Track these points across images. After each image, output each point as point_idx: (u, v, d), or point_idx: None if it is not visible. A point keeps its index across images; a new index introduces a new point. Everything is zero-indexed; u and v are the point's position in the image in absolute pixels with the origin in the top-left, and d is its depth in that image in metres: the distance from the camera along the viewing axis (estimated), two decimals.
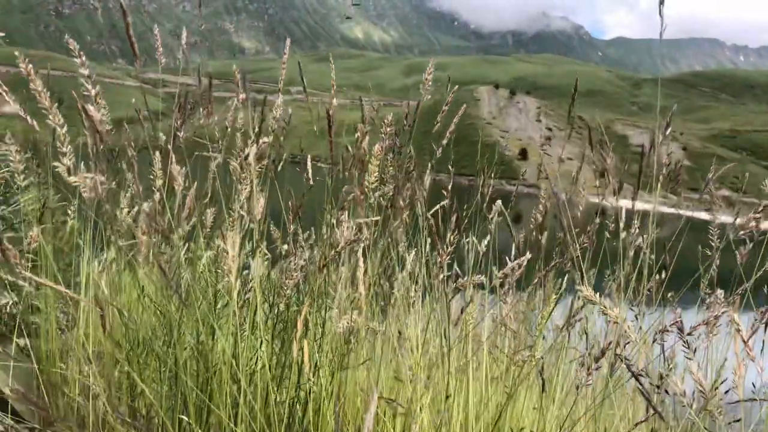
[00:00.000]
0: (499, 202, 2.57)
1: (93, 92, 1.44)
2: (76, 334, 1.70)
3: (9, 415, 1.57)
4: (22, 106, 1.20)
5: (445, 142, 2.30)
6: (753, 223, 1.75)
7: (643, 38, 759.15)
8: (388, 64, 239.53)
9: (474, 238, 2.31)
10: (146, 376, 1.61)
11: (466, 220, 2.23)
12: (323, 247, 1.69)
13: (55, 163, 1.36)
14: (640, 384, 1.13)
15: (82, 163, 1.53)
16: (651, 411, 1.23)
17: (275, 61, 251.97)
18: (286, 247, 2.00)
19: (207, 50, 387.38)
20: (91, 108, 1.43)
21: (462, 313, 2.01)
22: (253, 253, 1.70)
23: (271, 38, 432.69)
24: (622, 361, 1.25)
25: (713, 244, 2.16)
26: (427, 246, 2.17)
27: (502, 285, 2.04)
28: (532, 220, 2.41)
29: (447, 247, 1.71)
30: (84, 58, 1.35)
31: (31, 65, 1.20)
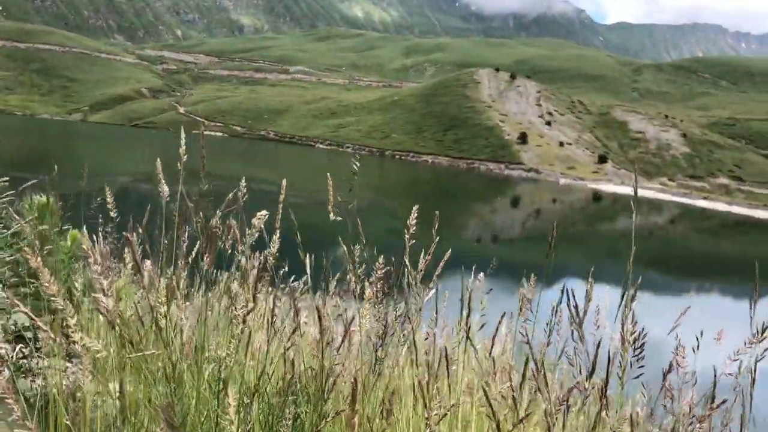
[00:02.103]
0: None
1: (105, 284, 1.50)
2: None
3: None
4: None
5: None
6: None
7: (645, 23, 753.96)
8: (388, 44, 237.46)
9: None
10: None
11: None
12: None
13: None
14: None
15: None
16: None
17: (274, 39, 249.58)
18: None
19: (205, 27, 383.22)
20: (103, 300, 1.49)
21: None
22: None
23: (271, 16, 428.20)
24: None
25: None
26: None
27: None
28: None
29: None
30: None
31: None
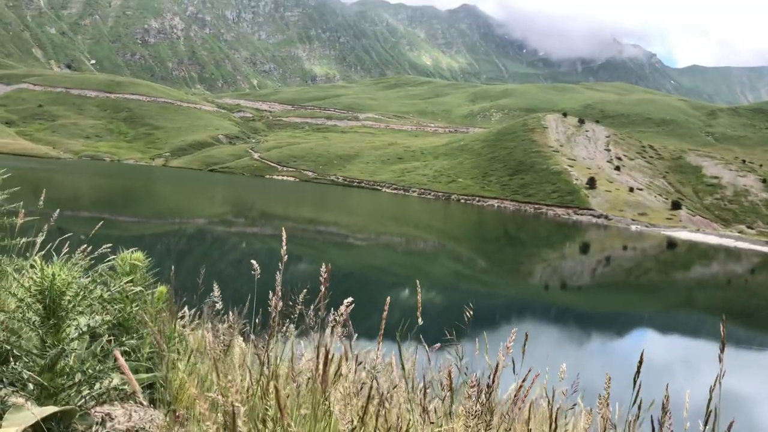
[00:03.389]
0: None
1: (241, 409, 1.73)
2: None
3: None
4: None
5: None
6: None
7: (719, 66, 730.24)
8: (455, 90, 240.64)
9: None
10: None
11: None
12: None
13: None
14: None
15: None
16: None
17: (345, 88, 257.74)
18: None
19: (280, 76, 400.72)
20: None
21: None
22: None
23: (342, 66, 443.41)
24: None
25: None
26: None
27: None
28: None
29: None
30: None
31: None
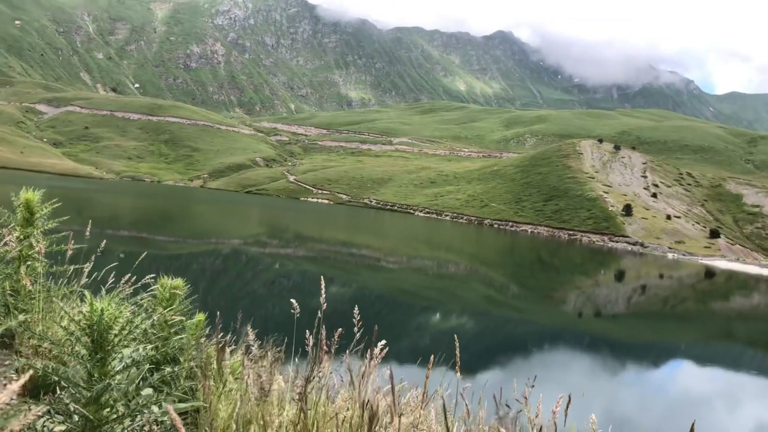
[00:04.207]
0: None
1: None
2: None
3: None
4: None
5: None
6: None
7: (760, 93, 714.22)
8: (489, 115, 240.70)
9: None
10: None
11: None
12: None
13: None
14: None
15: None
16: None
17: (379, 112, 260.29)
18: None
19: (317, 101, 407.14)
20: None
21: None
22: None
23: (377, 91, 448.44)
24: None
25: None
26: None
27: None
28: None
29: None
30: None
31: None
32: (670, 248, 75.82)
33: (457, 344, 3.11)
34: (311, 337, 2.77)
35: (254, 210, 78.08)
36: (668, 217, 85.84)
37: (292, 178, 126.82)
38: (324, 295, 2.92)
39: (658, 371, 21.83)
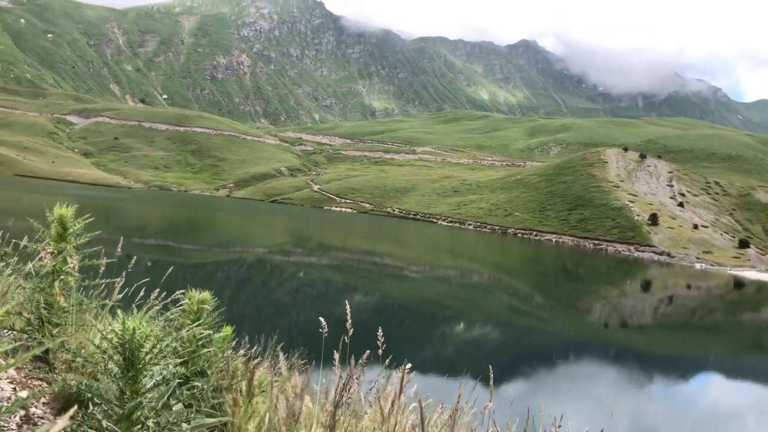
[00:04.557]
0: None
1: None
2: None
3: None
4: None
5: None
6: None
7: None
8: (513, 124, 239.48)
9: None
10: None
11: None
12: None
13: None
14: None
15: None
16: None
17: (402, 122, 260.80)
18: None
19: (341, 111, 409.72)
20: None
21: None
22: None
23: (400, 100, 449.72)
24: None
25: None
26: None
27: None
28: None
29: None
30: None
31: None
32: (697, 258, 74.45)
33: (491, 375, 3.13)
34: (338, 361, 2.81)
35: (279, 219, 78.69)
36: (695, 227, 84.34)
37: (316, 188, 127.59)
38: (350, 320, 2.97)
39: (686, 384, 21.40)
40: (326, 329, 3.14)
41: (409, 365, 2.76)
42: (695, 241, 79.72)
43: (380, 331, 2.83)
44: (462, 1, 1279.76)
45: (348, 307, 3.03)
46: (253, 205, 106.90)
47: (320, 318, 3.18)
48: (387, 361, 3.07)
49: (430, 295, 31.94)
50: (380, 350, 2.73)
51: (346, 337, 2.95)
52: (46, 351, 2.97)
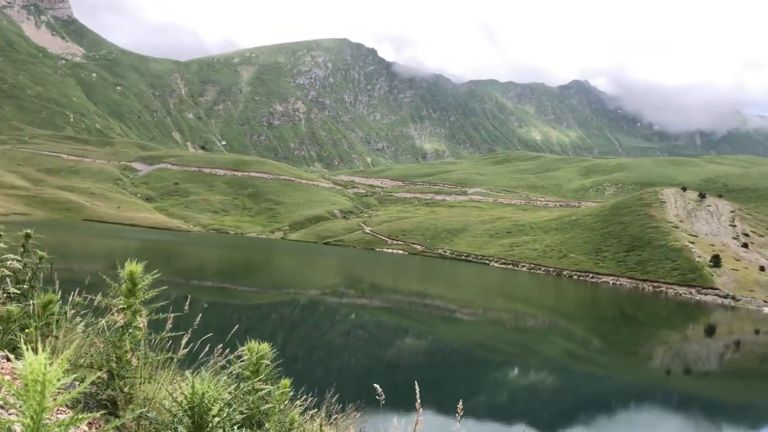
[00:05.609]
0: None
1: None
2: None
3: None
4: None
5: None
6: None
7: None
8: (566, 164, 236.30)
9: None
10: None
11: None
12: None
13: None
14: None
15: None
16: None
17: (454, 164, 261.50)
18: None
19: (392, 154, 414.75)
20: None
21: None
22: None
23: (452, 143, 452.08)
24: None
25: None
26: None
27: None
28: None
29: None
30: None
31: None
32: (765, 302, 70.70)
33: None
34: (395, 424, 2.88)
35: (331, 260, 79.56)
36: (762, 269, 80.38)
37: (368, 229, 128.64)
38: (420, 411, 3.03)
39: None
40: (383, 397, 3.26)
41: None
42: (762, 283, 75.88)
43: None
44: (512, 43, 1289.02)
45: (417, 389, 3.08)
46: (307, 247, 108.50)
47: (375, 385, 3.28)
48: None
49: (483, 338, 31.52)
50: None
51: (415, 427, 3.05)
52: (114, 404, 3.19)
